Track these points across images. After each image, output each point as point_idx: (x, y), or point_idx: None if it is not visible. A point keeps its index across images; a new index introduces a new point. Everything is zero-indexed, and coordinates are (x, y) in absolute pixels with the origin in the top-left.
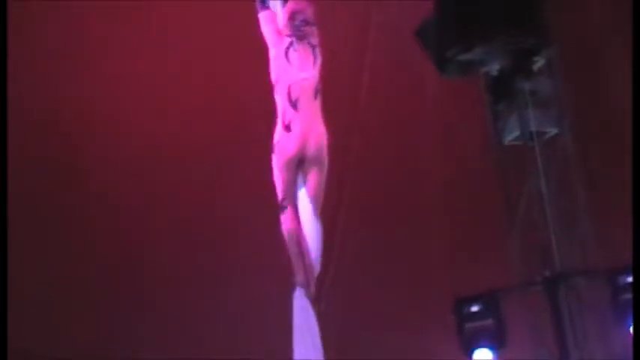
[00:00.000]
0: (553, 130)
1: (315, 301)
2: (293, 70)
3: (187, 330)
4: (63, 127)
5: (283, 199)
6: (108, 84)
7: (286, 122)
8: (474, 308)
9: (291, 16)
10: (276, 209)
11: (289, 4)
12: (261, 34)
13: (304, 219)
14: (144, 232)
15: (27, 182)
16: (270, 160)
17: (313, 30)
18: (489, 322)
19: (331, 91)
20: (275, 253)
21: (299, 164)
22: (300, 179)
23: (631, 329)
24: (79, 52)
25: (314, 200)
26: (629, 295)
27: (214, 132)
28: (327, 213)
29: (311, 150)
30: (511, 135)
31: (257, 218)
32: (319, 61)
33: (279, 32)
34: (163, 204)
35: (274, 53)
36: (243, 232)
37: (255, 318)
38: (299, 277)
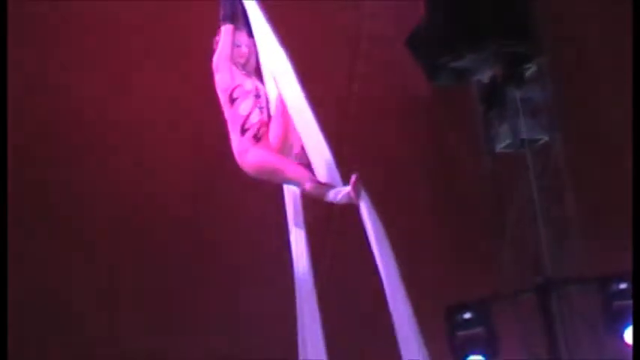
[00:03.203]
0: (544, 138)
1: None
2: None
3: (191, 335)
4: (64, 128)
5: None
6: (112, 83)
7: None
8: (466, 316)
9: None
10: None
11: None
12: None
13: None
14: (145, 232)
15: (27, 181)
16: None
17: None
18: (481, 329)
19: (321, 101)
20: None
21: None
22: None
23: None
24: (81, 52)
25: None
26: (620, 302)
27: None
28: (317, 221)
29: None
30: (503, 143)
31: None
32: None
33: None
34: (166, 204)
35: None
36: (252, 234)
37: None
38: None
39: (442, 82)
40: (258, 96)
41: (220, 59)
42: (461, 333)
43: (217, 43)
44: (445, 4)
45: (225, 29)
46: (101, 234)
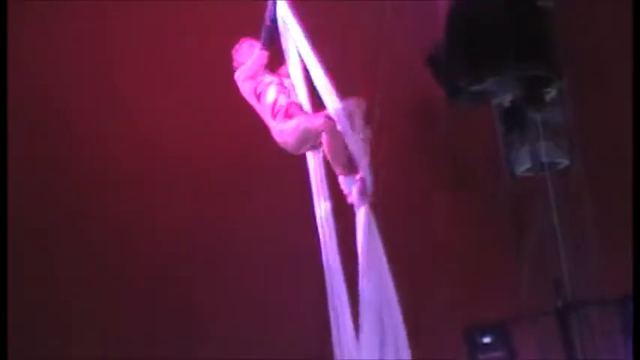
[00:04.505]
0: (564, 162)
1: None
2: None
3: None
4: (64, 128)
5: None
6: (112, 82)
7: None
8: (486, 339)
9: None
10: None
11: None
12: None
13: None
14: (147, 233)
15: (28, 183)
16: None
17: None
18: (501, 353)
19: None
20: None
21: None
22: None
23: None
24: (82, 50)
25: None
26: None
27: (226, 130)
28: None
29: None
30: (523, 166)
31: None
32: None
33: None
34: (170, 205)
35: None
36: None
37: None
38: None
39: (463, 105)
40: (282, 84)
41: (243, 76)
42: (481, 357)
43: (238, 52)
44: (465, 28)
45: (260, 55)
46: (108, 235)
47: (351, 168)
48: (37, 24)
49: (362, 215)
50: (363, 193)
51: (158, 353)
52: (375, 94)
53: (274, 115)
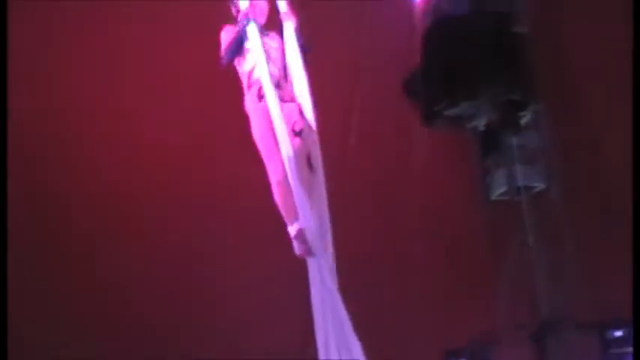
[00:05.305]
0: (540, 185)
1: None
2: None
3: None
4: (64, 128)
5: None
6: (110, 83)
7: None
8: None
9: None
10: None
11: None
12: None
13: None
14: (147, 235)
15: (27, 184)
16: None
17: None
18: None
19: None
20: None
21: None
22: None
23: None
24: (82, 50)
25: None
26: (617, 349)
27: (221, 131)
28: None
29: None
30: (498, 190)
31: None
32: None
33: None
34: (170, 205)
35: None
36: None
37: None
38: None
39: (438, 129)
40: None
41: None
42: None
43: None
44: (441, 52)
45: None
46: (107, 236)
47: (291, 217)
48: (37, 24)
49: (314, 268)
50: (302, 243)
51: (158, 354)
52: (351, 117)
53: (249, 86)
